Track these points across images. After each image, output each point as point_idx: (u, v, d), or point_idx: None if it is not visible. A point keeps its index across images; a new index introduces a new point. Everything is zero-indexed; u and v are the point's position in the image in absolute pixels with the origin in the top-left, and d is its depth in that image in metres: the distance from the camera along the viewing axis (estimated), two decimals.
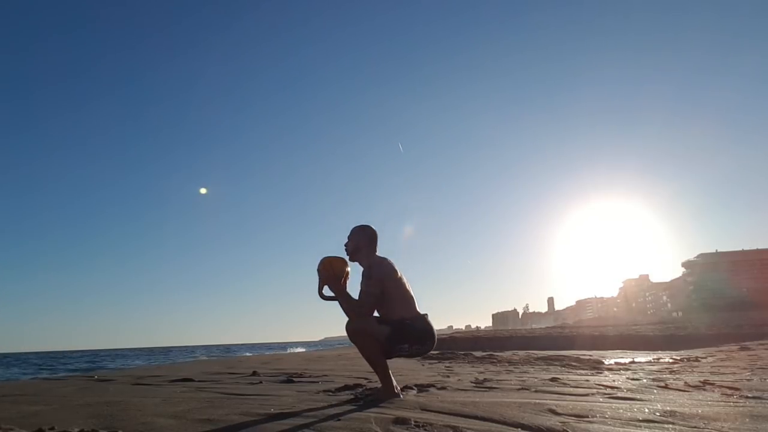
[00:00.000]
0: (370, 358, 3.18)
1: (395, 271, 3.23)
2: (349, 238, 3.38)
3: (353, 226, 3.41)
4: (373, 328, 3.14)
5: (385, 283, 3.19)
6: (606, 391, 3.53)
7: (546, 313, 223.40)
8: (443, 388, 3.81)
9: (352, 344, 3.22)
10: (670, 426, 2.28)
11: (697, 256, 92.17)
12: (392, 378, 3.19)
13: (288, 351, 24.97)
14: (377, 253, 3.33)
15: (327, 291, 3.26)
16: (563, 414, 2.53)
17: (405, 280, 3.29)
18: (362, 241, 3.33)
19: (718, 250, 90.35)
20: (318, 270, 3.24)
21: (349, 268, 3.30)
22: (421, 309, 3.27)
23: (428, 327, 3.21)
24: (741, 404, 2.91)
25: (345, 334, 3.19)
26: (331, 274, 3.23)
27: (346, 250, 3.39)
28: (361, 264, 3.33)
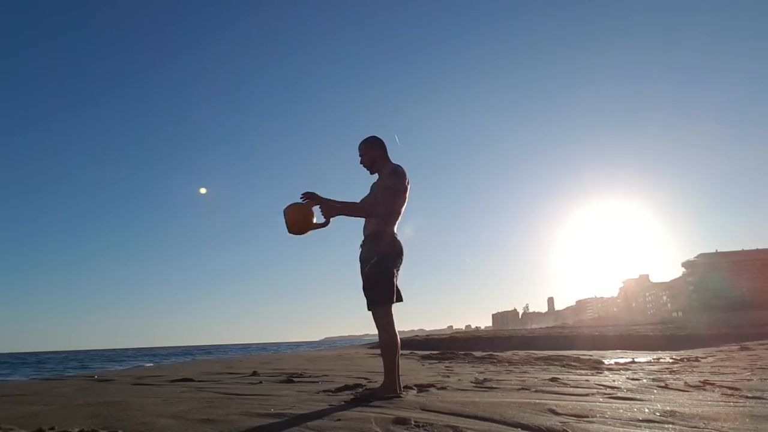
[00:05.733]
0: (387, 345, 3.11)
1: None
2: (361, 154, 3.33)
3: (360, 143, 3.36)
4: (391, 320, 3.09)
5: (404, 190, 3.20)
6: (606, 391, 3.53)
7: (546, 313, 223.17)
8: (443, 388, 3.81)
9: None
10: (670, 426, 2.27)
11: (697, 256, 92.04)
12: (397, 375, 3.16)
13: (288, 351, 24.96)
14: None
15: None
16: (563, 414, 2.53)
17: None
18: (376, 151, 3.31)
19: (718, 250, 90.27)
20: (288, 215, 3.09)
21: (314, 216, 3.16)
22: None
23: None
24: (741, 404, 2.91)
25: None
26: (303, 210, 3.11)
27: (363, 165, 3.35)
28: (381, 173, 3.31)
